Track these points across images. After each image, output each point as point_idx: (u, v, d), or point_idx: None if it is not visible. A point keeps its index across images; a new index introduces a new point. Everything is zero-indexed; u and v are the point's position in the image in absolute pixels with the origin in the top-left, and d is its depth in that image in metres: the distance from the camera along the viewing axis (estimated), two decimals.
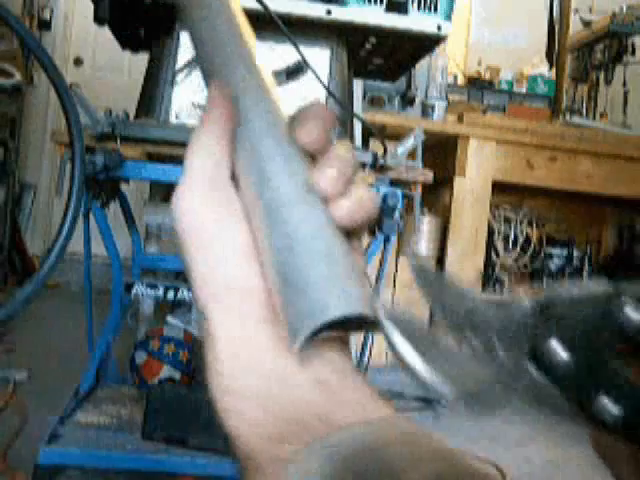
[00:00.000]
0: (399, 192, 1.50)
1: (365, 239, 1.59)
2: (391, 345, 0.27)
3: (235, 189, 0.34)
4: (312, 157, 0.33)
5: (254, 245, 0.32)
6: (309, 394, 0.29)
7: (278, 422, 0.29)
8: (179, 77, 1.57)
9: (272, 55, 1.59)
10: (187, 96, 1.57)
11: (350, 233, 0.32)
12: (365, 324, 0.29)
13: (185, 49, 1.58)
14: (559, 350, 0.27)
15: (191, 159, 0.35)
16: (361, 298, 0.28)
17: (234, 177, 0.34)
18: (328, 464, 0.27)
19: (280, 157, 0.32)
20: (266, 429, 0.29)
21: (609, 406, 0.27)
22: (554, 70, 4.10)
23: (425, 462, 0.26)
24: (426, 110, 2.92)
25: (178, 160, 1.69)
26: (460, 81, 4.20)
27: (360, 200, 0.31)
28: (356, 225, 0.31)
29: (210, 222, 0.33)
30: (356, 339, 2.20)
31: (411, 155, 1.60)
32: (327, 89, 1.54)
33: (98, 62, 4.57)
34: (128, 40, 1.85)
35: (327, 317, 0.28)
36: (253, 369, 0.30)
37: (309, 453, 0.27)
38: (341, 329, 0.30)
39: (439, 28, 1.59)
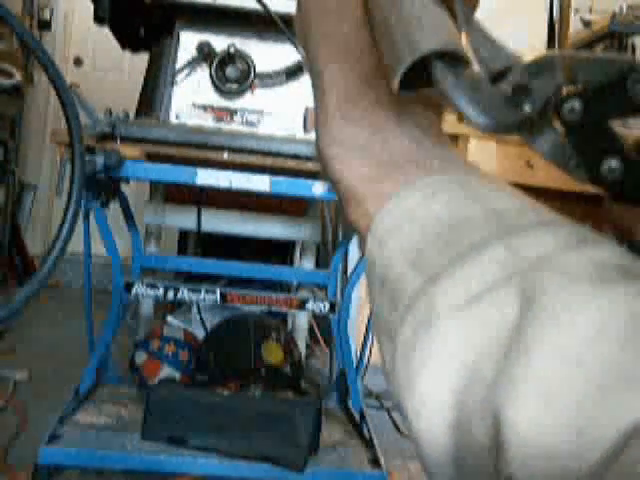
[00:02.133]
0: None
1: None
2: (444, 90, 0.31)
3: None
4: None
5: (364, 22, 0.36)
6: (405, 145, 0.34)
7: (377, 166, 0.33)
8: (179, 77, 1.57)
9: (272, 55, 1.59)
10: (187, 96, 1.57)
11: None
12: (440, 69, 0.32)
13: (185, 49, 1.58)
14: (576, 106, 0.31)
15: None
16: (451, 40, 0.32)
17: None
18: (427, 194, 0.31)
19: None
20: (366, 171, 0.33)
21: (613, 166, 0.31)
22: None
23: (510, 191, 0.31)
24: None
25: (178, 160, 1.69)
26: None
27: None
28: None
29: None
30: (356, 339, 2.20)
31: None
32: None
33: (98, 62, 4.57)
34: (128, 40, 1.85)
35: (418, 54, 0.31)
36: (358, 123, 0.34)
37: (408, 189, 0.31)
38: (427, 82, 0.33)
39: None
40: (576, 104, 0.31)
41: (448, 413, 0.25)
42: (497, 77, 0.33)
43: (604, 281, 0.24)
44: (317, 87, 0.36)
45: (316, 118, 0.36)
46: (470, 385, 0.24)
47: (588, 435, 0.21)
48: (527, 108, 0.32)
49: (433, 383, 0.26)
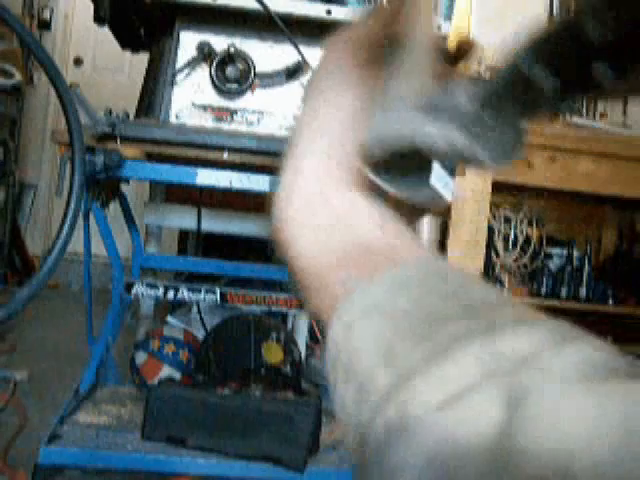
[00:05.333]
0: None
1: None
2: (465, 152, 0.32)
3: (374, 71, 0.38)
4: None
5: (359, 116, 0.36)
6: (372, 233, 0.33)
7: (343, 251, 0.32)
8: (179, 77, 1.57)
9: (272, 55, 1.59)
10: (187, 96, 1.57)
11: None
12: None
13: (185, 49, 1.58)
14: (543, 72, 0.31)
15: (350, 32, 0.39)
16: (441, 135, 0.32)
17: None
18: (398, 286, 0.29)
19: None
20: (332, 256, 0.33)
21: (601, 70, 0.30)
22: None
23: (482, 284, 0.30)
24: None
25: (178, 160, 1.69)
26: None
27: None
28: None
29: (334, 84, 0.38)
30: None
31: None
32: None
33: (98, 62, 4.57)
34: (128, 40, 1.85)
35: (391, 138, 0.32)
36: (326, 205, 0.34)
37: (377, 278, 0.30)
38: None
39: (439, 28, 1.59)
40: (549, 76, 0.31)
41: None
42: (482, 101, 0.33)
43: (590, 380, 0.23)
44: (289, 164, 0.36)
45: (277, 196, 0.36)
46: None
47: None
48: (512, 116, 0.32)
49: None
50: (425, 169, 0.34)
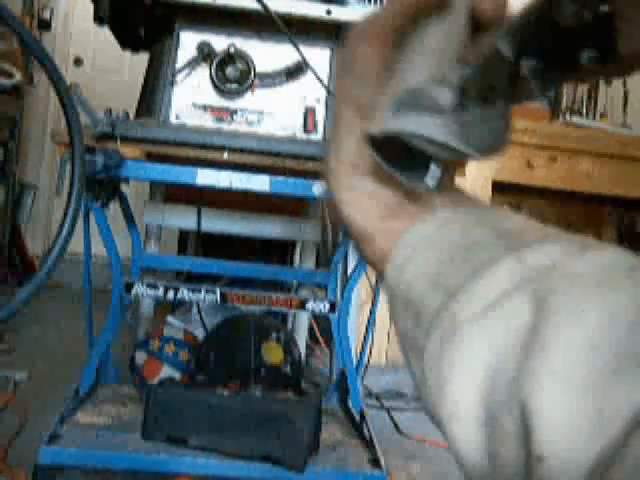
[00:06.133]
0: None
1: None
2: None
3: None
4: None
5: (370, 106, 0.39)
6: (411, 194, 0.37)
7: (385, 208, 0.37)
8: (179, 77, 1.57)
9: (272, 55, 1.59)
10: (187, 96, 1.57)
11: None
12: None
13: (185, 49, 1.58)
14: (533, 64, 0.31)
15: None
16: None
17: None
18: (440, 223, 0.34)
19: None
20: (377, 212, 0.37)
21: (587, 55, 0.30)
22: None
23: (515, 217, 0.34)
24: None
25: (178, 160, 1.69)
26: None
27: None
28: None
29: (368, 56, 0.40)
30: (356, 339, 2.20)
31: None
32: (327, 89, 1.54)
33: (98, 62, 4.57)
34: (128, 40, 1.85)
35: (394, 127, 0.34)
36: (366, 172, 0.38)
37: (422, 222, 0.35)
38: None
39: None
40: (533, 62, 0.31)
41: (479, 411, 0.27)
42: (462, 100, 0.34)
43: (609, 278, 0.26)
44: (334, 135, 0.40)
45: (328, 164, 0.40)
46: (496, 383, 0.26)
47: (606, 412, 0.22)
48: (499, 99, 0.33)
49: (463, 386, 0.28)
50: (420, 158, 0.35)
